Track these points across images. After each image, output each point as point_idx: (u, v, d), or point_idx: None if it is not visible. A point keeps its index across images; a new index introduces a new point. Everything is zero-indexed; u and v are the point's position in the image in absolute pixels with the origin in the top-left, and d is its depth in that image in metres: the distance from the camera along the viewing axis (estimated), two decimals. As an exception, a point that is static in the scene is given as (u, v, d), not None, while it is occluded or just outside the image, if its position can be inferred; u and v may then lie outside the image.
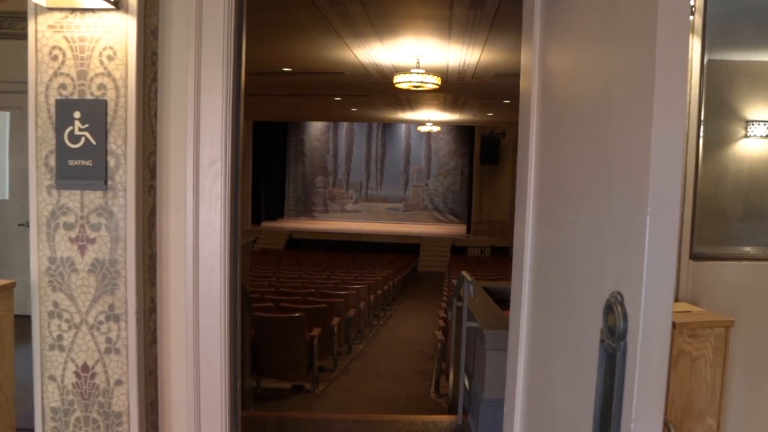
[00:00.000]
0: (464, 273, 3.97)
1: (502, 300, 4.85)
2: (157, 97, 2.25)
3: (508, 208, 18.54)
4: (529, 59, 1.81)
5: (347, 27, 6.75)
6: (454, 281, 6.81)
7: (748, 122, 4.88)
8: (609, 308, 1.07)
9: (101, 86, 2.11)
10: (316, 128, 23.76)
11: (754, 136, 4.87)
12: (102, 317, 2.14)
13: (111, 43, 2.10)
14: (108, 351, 2.15)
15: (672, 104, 0.90)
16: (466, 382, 4.14)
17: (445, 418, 4.07)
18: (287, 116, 20.24)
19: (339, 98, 13.17)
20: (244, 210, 20.14)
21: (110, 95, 2.11)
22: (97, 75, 2.11)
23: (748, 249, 2.54)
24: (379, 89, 11.32)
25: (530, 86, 1.77)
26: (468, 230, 20.44)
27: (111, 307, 2.13)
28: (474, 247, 18.91)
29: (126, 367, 2.13)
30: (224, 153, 2.22)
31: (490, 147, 18.53)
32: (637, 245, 0.98)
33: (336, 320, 6.84)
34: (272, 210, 22.66)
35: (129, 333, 2.12)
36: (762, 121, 4.83)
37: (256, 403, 5.38)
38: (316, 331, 5.99)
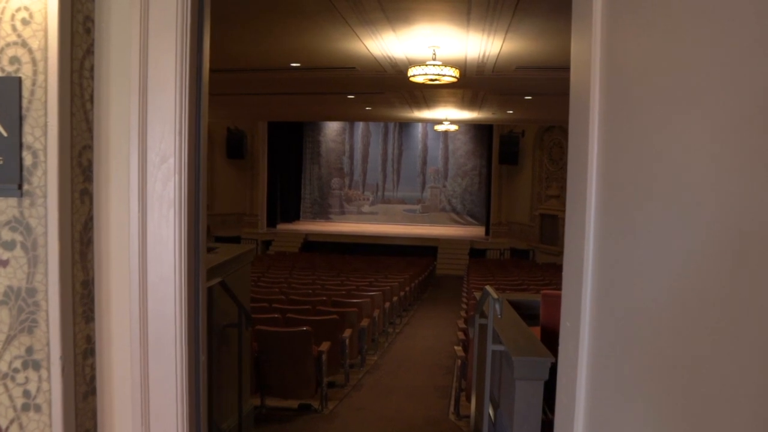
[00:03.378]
0: (489, 288, 3.42)
1: (529, 315, 4.36)
2: (93, 75, 1.74)
3: (528, 209, 18.01)
4: (584, 48, 1.37)
5: (356, 14, 6.20)
6: (474, 291, 6.28)
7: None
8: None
9: (14, 60, 1.60)
10: (331, 129, 23.45)
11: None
12: (18, 364, 1.63)
13: (26, 2, 1.59)
14: (26, 408, 1.63)
15: None
16: (491, 413, 3.59)
17: (467, 456, 3.53)
18: (301, 116, 19.89)
19: (352, 96, 12.63)
20: (259, 211, 20.02)
21: (26, 71, 1.60)
22: (8, 45, 1.60)
23: None
24: (394, 85, 10.77)
25: (587, 79, 1.33)
26: (487, 232, 19.93)
27: (29, 350, 1.62)
28: (493, 250, 18.40)
29: (49, 428, 1.62)
30: (180, 146, 1.69)
31: (509, 146, 18.13)
32: None
33: (348, 332, 6.36)
34: (288, 212, 22.51)
35: (53, 384, 1.60)
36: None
37: (258, 426, 4.91)
38: (325, 346, 5.50)
